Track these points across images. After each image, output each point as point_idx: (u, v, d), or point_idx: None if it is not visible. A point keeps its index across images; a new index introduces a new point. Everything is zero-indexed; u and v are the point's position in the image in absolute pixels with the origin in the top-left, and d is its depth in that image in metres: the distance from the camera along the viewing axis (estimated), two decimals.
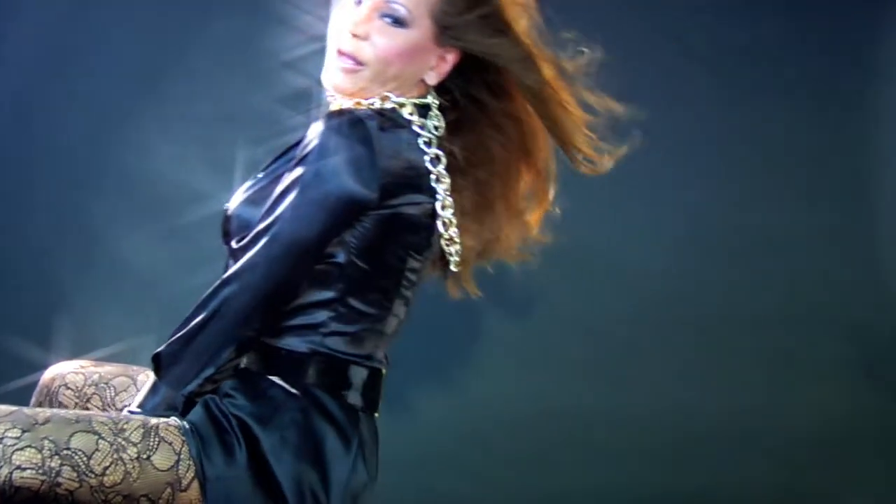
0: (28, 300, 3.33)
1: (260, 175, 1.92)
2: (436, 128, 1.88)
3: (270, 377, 1.82)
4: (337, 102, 1.92)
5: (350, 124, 1.78)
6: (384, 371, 1.92)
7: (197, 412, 1.79)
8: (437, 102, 1.91)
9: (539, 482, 3.31)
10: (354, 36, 1.84)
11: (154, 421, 1.76)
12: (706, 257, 3.41)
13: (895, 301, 3.43)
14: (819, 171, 3.44)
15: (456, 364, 3.35)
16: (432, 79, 1.89)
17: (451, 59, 1.89)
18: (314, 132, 1.80)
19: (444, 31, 1.86)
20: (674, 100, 3.42)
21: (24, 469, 1.62)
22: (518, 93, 1.93)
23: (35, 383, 2.13)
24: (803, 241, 3.43)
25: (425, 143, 1.86)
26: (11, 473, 1.62)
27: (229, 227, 1.87)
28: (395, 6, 1.83)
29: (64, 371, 2.09)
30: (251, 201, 1.86)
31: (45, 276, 3.33)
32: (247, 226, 1.82)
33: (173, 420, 1.78)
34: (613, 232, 3.40)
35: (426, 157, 1.85)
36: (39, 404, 2.08)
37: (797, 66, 3.44)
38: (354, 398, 1.86)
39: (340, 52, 1.85)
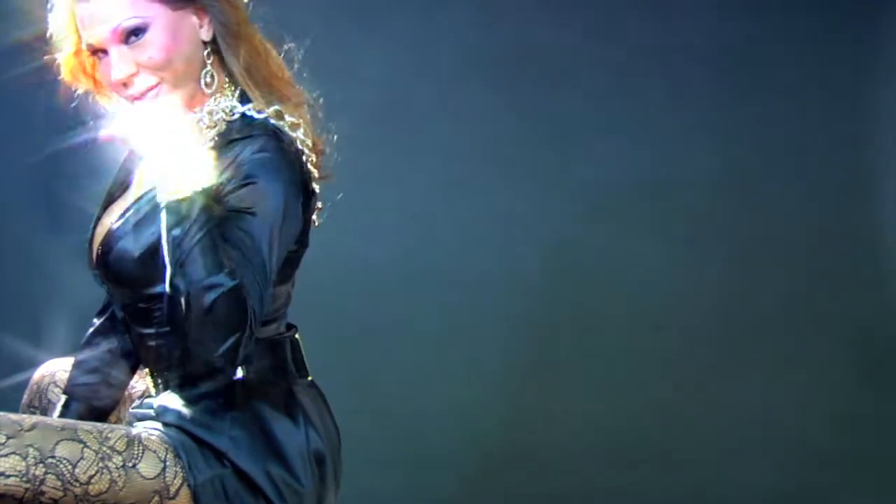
0: (20, 297, 3.33)
1: (133, 206, 1.87)
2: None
3: (194, 389, 1.83)
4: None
5: (276, 151, 1.77)
6: (296, 335, 1.94)
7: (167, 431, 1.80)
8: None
9: (536, 485, 3.30)
10: (130, 80, 1.80)
11: (136, 430, 1.77)
12: (706, 259, 3.40)
13: (895, 303, 3.42)
14: (820, 173, 3.43)
15: (452, 366, 3.34)
16: (207, 34, 1.84)
17: (201, 7, 1.84)
18: (236, 165, 1.76)
19: None
20: (674, 100, 3.41)
21: (8, 476, 1.61)
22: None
23: (27, 381, 2.14)
24: (803, 243, 3.42)
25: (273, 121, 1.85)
26: None
27: (125, 266, 1.82)
28: (126, 25, 1.77)
29: (54, 369, 2.10)
30: (139, 231, 1.84)
31: (37, 274, 3.32)
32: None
33: (154, 430, 1.79)
34: (612, 233, 3.39)
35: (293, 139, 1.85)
36: (30, 402, 2.10)
37: (798, 67, 3.43)
38: (280, 372, 1.87)
39: (135, 98, 1.82)
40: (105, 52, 1.80)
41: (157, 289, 1.78)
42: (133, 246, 1.81)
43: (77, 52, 1.87)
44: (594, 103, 3.41)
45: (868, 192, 3.44)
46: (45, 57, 1.91)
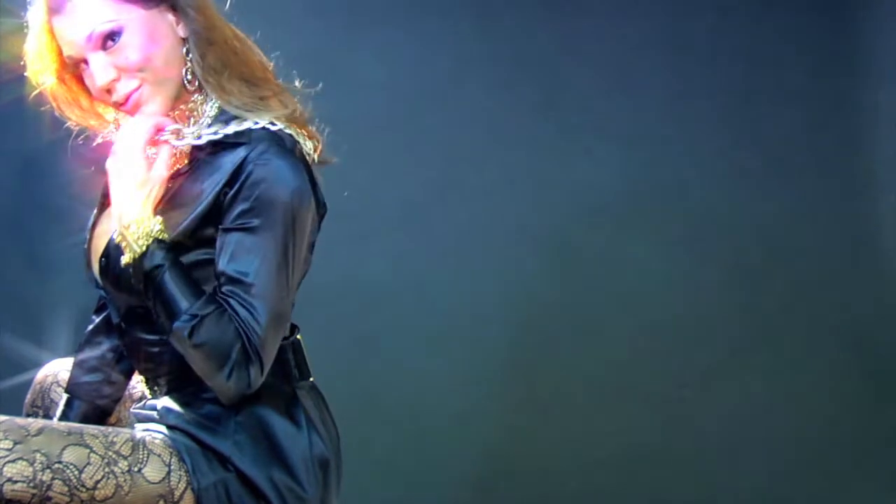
0: (22, 298, 3.32)
1: None
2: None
3: (197, 391, 1.83)
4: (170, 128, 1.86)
5: (288, 160, 1.77)
6: (299, 337, 1.94)
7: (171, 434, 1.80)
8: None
9: (536, 487, 3.30)
10: (112, 86, 1.80)
11: (140, 434, 1.77)
12: (706, 260, 3.40)
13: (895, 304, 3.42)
14: (820, 176, 3.43)
15: (451, 369, 3.34)
16: (184, 30, 1.83)
17: (173, 8, 1.84)
18: (245, 174, 1.76)
19: None
20: (674, 101, 3.41)
21: (16, 482, 1.61)
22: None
23: (30, 381, 2.15)
24: (804, 243, 3.42)
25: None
26: (2, 486, 1.60)
27: (129, 276, 1.79)
28: (100, 30, 1.77)
29: (57, 369, 2.11)
30: None
31: (40, 273, 3.32)
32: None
33: (158, 433, 1.79)
34: (612, 234, 3.39)
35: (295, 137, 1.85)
36: (33, 401, 2.11)
37: (799, 68, 3.42)
38: (283, 375, 1.87)
39: (122, 104, 1.82)
40: (87, 62, 1.80)
41: None
42: None
43: (61, 80, 1.87)
44: (594, 104, 3.41)
45: (868, 192, 3.44)
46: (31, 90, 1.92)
